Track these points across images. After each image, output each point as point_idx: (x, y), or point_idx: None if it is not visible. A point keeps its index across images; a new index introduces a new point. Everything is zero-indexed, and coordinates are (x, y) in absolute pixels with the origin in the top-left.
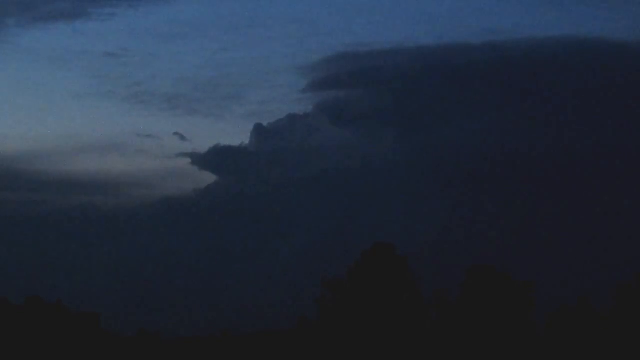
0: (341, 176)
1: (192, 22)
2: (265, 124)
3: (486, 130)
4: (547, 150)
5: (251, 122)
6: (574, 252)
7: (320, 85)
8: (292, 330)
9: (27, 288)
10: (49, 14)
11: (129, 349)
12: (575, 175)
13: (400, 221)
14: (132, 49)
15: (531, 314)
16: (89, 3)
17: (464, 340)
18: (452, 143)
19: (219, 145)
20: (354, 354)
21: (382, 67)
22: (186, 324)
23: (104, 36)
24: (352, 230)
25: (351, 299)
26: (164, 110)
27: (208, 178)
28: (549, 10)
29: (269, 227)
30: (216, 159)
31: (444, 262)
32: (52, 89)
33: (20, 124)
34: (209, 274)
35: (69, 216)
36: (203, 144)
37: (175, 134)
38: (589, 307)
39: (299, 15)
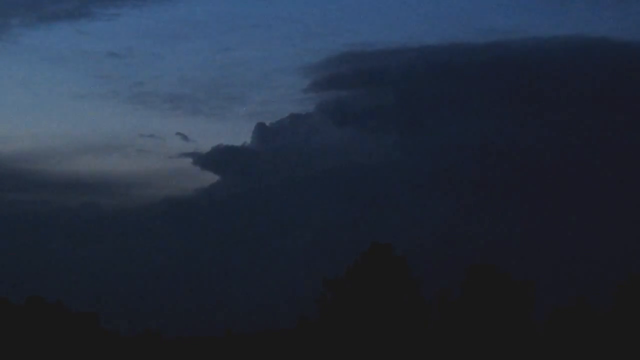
0: (343, 176)
1: (195, 23)
2: (267, 123)
3: (488, 130)
4: (549, 150)
5: (253, 122)
6: (574, 252)
7: (322, 85)
8: (292, 330)
9: (27, 288)
10: (53, 13)
11: (129, 349)
12: (577, 175)
13: (401, 221)
14: (136, 49)
15: (531, 313)
16: (93, 3)
17: (464, 340)
18: (453, 143)
19: (221, 145)
20: (354, 354)
21: (385, 67)
22: (186, 323)
23: (108, 36)
24: (353, 230)
25: (351, 299)
26: (166, 110)
27: (210, 178)
28: (552, 11)
29: (270, 227)
30: (218, 158)
31: (444, 262)
32: (55, 89)
33: (23, 124)
34: (209, 274)
35: (70, 216)
36: (205, 144)
37: (178, 134)
38: (588, 307)
39: (301, 15)
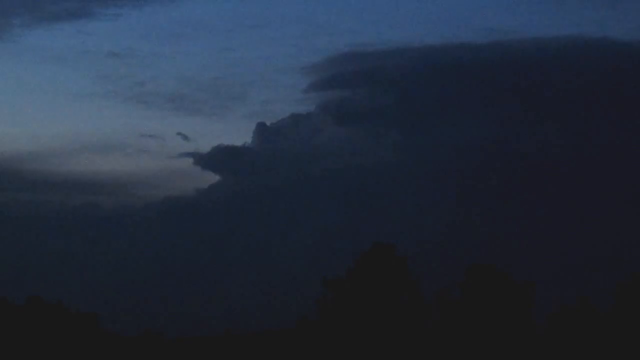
0: (343, 176)
1: (195, 22)
2: (268, 123)
3: (489, 131)
4: (549, 150)
5: (254, 121)
6: (574, 252)
7: (323, 85)
8: (292, 330)
9: (27, 288)
10: (53, 13)
11: (129, 350)
12: (577, 175)
13: (401, 221)
14: (136, 49)
15: (531, 314)
16: (94, 3)
17: (464, 340)
18: (454, 143)
19: (222, 145)
20: (354, 354)
21: (386, 66)
22: (186, 324)
23: (109, 36)
24: (353, 230)
25: (351, 299)
26: (167, 110)
27: (210, 178)
28: (554, 10)
29: (270, 227)
30: (219, 158)
31: (444, 262)
32: (55, 89)
33: (24, 124)
34: (209, 274)
35: (71, 216)
36: (206, 144)
37: (178, 134)
38: (589, 307)
39: (302, 15)
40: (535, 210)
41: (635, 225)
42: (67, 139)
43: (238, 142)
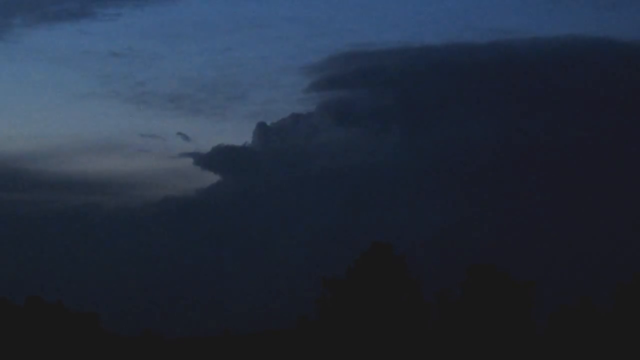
0: (344, 176)
1: (196, 23)
2: (268, 123)
3: (489, 130)
4: (549, 150)
5: (254, 121)
6: (574, 252)
7: (323, 84)
8: (292, 330)
9: (27, 288)
10: (54, 13)
11: (128, 350)
12: (577, 174)
13: (401, 221)
14: (137, 49)
15: (531, 313)
16: (95, 3)
17: (464, 340)
18: (455, 143)
19: (222, 145)
20: (354, 354)
21: (386, 66)
22: (186, 324)
23: (109, 36)
24: (353, 230)
25: (351, 299)
26: (167, 110)
27: (211, 178)
28: (555, 10)
29: (270, 227)
30: (219, 158)
31: (444, 262)
32: (56, 89)
33: (25, 124)
34: (209, 274)
35: (71, 216)
36: (206, 144)
37: (178, 134)
38: (589, 307)
39: (302, 15)
40: (535, 209)
41: (635, 225)
42: (67, 139)
43: (238, 142)
